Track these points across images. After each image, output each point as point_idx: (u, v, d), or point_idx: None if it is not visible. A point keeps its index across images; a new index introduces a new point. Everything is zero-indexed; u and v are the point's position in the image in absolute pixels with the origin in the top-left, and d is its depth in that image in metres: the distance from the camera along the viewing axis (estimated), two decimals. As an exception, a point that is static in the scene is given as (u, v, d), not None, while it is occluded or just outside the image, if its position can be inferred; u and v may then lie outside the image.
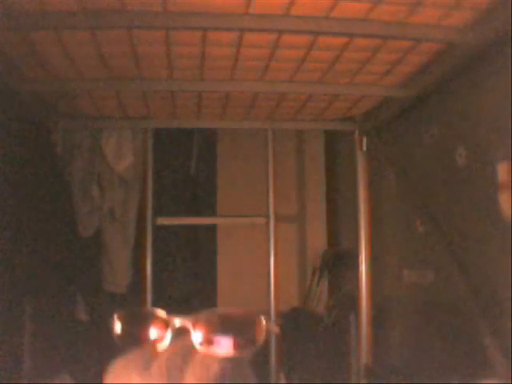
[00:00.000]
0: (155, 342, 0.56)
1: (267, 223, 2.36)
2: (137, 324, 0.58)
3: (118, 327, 0.58)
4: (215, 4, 1.22)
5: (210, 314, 0.56)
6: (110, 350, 0.58)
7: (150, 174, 2.34)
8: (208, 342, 0.55)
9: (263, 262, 2.35)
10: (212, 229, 2.91)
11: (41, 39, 1.38)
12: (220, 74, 1.69)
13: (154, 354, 0.55)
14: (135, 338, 0.57)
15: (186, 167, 2.92)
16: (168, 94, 1.88)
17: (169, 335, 0.56)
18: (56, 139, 2.27)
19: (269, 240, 2.35)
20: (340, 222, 2.93)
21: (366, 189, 2.27)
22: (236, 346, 0.55)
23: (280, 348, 2.32)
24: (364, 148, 2.27)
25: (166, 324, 0.56)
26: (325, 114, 2.17)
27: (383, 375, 2.08)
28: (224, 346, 0.54)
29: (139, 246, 2.43)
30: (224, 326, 0.56)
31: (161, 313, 0.57)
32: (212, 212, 2.91)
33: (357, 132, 2.29)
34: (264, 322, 0.56)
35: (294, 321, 2.71)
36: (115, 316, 0.58)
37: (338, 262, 2.86)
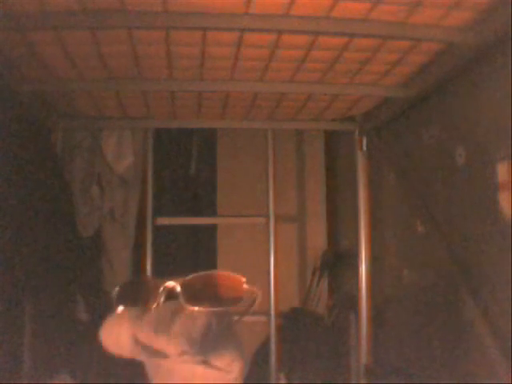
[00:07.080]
0: (148, 301, 0.64)
1: (267, 223, 2.36)
2: (133, 288, 0.68)
3: (118, 294, 0.67)
4: (215, 4, 1.22)
5: (196, 276, 0.64)
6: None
7: (149, 173, 2.34)
8: (194, 298, 0.62)
9: (263, 261, 2.35)
10: (212, 229, 2.91)
11: (41, 39, 1.38)
12: (220, 74, 1.69)
13: (145, 310, 0.62)
14: (131, 299, 0.66)
15: (185, 167, 2.92)
16: (168, 94, 1.88)
17: (160, 295, 0.64)
18: (56, 139, 2.27)
19: (269, 240, 2.35)
20: (340, 222, 2.93)
21: (366, 189, 2.27)
22: (220, 302, 0.62)
23: (280, 348, 2.33)
24: (364, 148, 2.27)
25: (157, 285, 0.64)
26: (325, 113, 2.17)
27: (383, 375, 2.09)
28: (209, 302, 0.62)
29: (139, 246, 2.43)
30: (208, 284, 0.64)
31: (154, 278, 0.67)
32: (212, 212, 2.91)
33: (357, 132, 2.28)
34: (244, 280, 0.66)
35: (294, 321, 2.71)
36: (117, 287, 0.67)
37: (338, 262, 2.86)
